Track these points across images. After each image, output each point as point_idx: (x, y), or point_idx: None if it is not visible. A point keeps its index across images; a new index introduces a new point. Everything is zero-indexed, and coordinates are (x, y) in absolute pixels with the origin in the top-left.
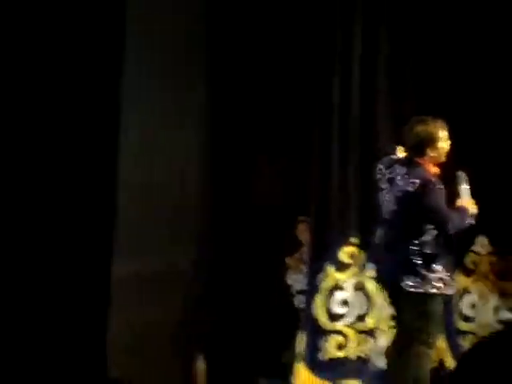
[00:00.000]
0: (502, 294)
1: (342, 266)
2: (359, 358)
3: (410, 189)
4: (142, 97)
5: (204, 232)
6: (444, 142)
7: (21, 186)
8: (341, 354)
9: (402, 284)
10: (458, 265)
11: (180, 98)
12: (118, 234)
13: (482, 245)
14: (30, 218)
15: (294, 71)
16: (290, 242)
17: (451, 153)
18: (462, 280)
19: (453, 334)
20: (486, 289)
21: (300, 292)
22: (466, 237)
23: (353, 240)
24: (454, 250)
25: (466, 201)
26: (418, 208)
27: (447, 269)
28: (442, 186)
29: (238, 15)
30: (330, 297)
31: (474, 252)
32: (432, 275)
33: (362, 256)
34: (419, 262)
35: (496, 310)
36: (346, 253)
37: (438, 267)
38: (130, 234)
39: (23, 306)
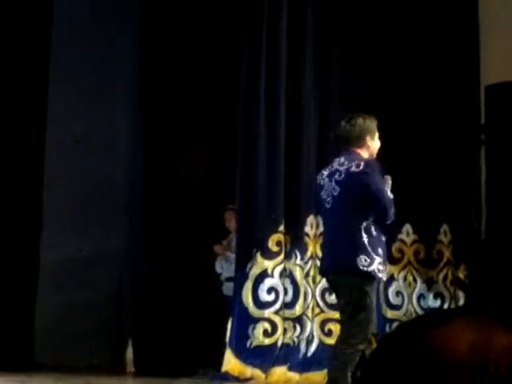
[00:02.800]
0: (427, 282)
1: (270, 254)
2: (286, 345)
3: (355, 169)
4: (71, 71)
5: (133, 218)
6: (378, 138)
7: None
8: (268, 341)
9: (357, 263)
10: None
11: (110, 79)
12: (45, 220)
13: (407, 233)
14: None
15: (221, 61)
16: (218, 230)
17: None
18: (388, 268)
19: (379, 322)
20: (411, 276)
21: (229, 279)
22: (393, 225)
23: (280, 228)
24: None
25: None
26: (363, 187)
27: (384, 254)
28: None
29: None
30: (259, 284)
31: (400, 240)
32: (377, 258)
33: (289, 243)
34: (367, 242)
35: (421, 297)
36: (273, 240)
37: (380, 251)
38: (57, 220)
39: None
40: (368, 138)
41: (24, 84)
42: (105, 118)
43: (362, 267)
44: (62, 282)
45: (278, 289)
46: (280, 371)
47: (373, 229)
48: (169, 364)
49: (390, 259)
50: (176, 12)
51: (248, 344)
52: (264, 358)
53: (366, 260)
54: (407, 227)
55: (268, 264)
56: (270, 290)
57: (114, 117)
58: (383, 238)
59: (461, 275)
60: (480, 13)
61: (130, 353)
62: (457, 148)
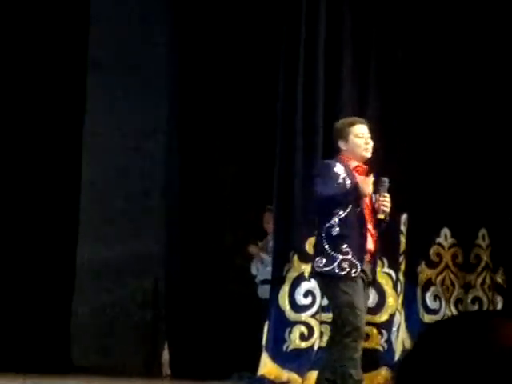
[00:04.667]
0: (465, 286)
1: (307, 257)
2: (323, 348)
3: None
4: (108, 82)
5: (170, 220)
6: (358, 138)
7: None
8: (305, 344)
9: (314, 265)
10: (422, 257)
11: (147, 81)
12: (82, 221)
13: (445, 237)
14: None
15: (258, 66)
16: (256, 231)
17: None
18: (426, 272)
19: (416, 326)
20: (449, 281)
21: (264, 282)
22: (431, 229)
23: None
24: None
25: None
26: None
27: (355, 251)
28: (343, 173)
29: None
30: (295, 288)
31: (438, 244)
32: (339, 256)
33: None
34: (326, 243)
35: (459, 301)
36: (310, 243)
37: (346, 249)
38: (94, 221)
39: None
40: (339, 141)
41: (62, 82)
42: (142, 121)
43: (317, 268)
44: (99, 285)
45: (315, 292)
46: (316, 375)
47: (336, 227)
48: (204, 367)
49: (427, 263)
50: (212, 14)
51: (284, 348)
52: (300, 361)
53: (321, 261)
54: (445, 231)
55: (305, 267)
56: (307, 293)
57: (151, 119)
58: (359, 234)
59: (499, 280)
60: None
61: (166, 355)
62: (496, 151)
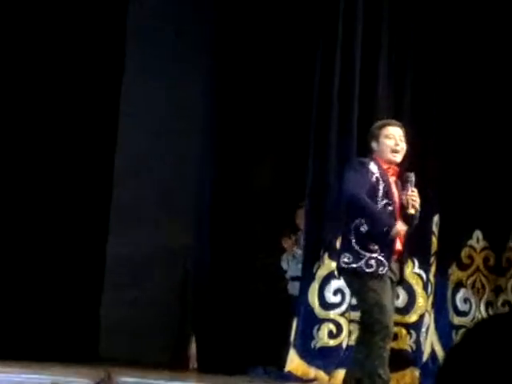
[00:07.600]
0: (495, 289)
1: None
2: (351, 347)
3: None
4: (145, 80)
5: (200, 213)
6: (387, 139)
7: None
8: (333, 342)
9: (340, 261)
10: (453, 258)
11: (184, 84)
12: (113, 215)
13: (477, 239)
14: (31, 199)
15: (293, 65)
16: (288, 228)
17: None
18: (457, 274)
19: (445, 327)
20: (479, 283)
21: (294, 279)
22: (463, 231)
23: None
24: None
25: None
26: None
27: (384, 250)
28: (377, 173)
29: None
30: (325, 285)
31: (470, 246)
32: (367, 254)
33: None
34: (354, 239)
35: (489, 304)
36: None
37: (374, 247)
38: (125, 215)
39: (19, 286)
40: (372, 143)
41: (98, 74)
42: (177, 118)
43: (343, 264)
44: (128, 277)
45: (345, 290)
46: (344, 373)
47: (364, 227)
48: (231, 361)
49: (458, 265)
50: (251, 11)
51: (312, 345)
52: (328, 359)
53: (348, 258)
54: (477, 233)
55: (335, 265)
56: (337, 291)
57: (186, 116)
58: (388, 230)
59: None
60: None
61: (193, 349)
62: None
